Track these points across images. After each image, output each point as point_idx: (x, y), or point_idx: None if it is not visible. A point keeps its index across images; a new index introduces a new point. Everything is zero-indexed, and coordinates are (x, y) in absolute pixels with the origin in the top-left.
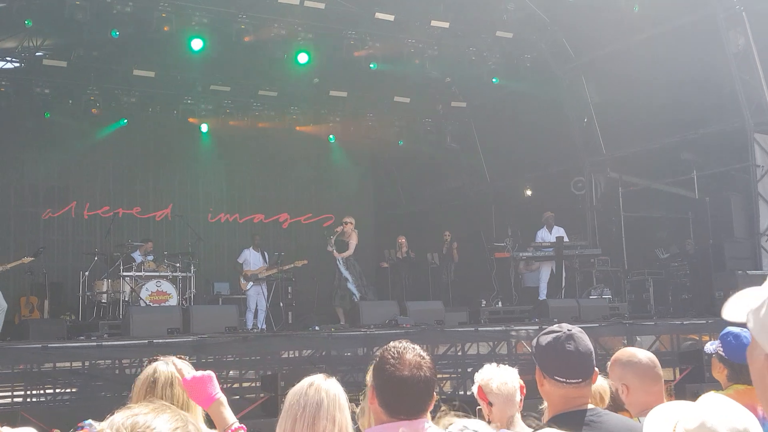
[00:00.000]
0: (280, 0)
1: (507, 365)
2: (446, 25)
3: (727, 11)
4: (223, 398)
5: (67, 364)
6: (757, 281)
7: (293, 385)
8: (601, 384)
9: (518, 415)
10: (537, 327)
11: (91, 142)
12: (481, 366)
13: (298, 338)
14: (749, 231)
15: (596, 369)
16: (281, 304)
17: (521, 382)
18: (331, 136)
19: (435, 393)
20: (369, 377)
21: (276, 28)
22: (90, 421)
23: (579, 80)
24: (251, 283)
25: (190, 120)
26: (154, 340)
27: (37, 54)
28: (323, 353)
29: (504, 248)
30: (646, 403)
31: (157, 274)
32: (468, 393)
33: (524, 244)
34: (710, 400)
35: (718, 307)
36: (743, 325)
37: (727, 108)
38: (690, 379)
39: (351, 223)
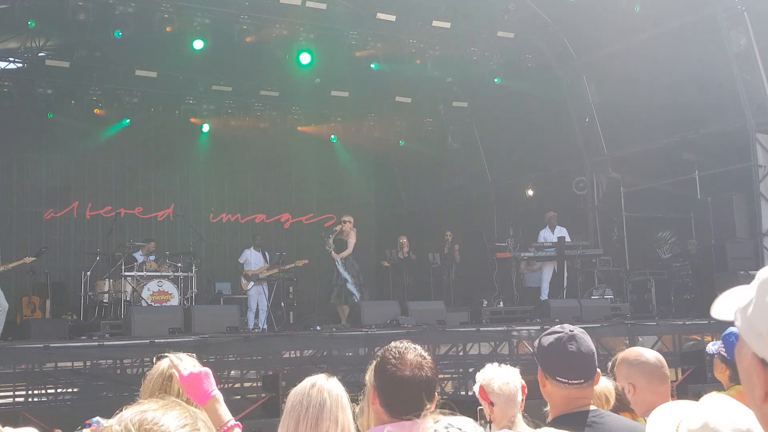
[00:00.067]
0: (281, 0)
1: (509, 365)
2: (447, 25)
3: (728, 11)
4: (219, 395)
5: (69, 363)
6: None
7: (294, 386)
8: (606, 386)
9: (520, 416)
10: (538, 327)
11: (93, 142)
12: (483, 366)
13: (300, 338)
14: (751, 231)
15: (598, 370)
16: (282, 304)
17: (523, 382)
18: (332, 136)
19: (436, 393)
20: (368, 377)
21: (277, 28)
22: (97, 418)
23: (580, 80)
24: (252, 283)
25: (192, 120)
26: (156, 340)
27: (39, 54)
28: (324, 353)
29: (505, 248)
30: (653, 403)
31: (158, 274)
32: (469, 393)
33: (526, 244)
34: (713, 400)
35: None
36: (733, 324)
37: (729, 108)
38: (692, 380)
39: (350, 222)
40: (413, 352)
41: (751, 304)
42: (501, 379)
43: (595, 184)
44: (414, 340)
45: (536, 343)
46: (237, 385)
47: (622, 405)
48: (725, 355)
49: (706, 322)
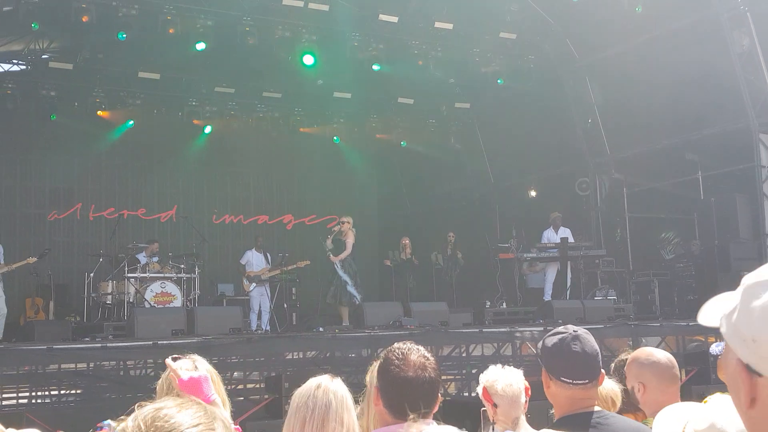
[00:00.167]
0: (284, 2)
1: (512, 366)
2: (450, 26)
3: (730, 11)
4: (219, 400)
5: (72, 365)
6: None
7: (297, 387)
8: (612, 388)
9: (523, 417)
10: (541, 328)
11: (97, 144)
12: (486, 367)
13: (302, 339)
14: (755, 232)
15: (602, 371)
16: (285, 306)
17: (526, 383)
18: (335, 137)
19: (440, 394)
20: (368, 378)
21: (280, 30)
22: (109, 421)
23: (583, 81)
24: (254, 285)
25: (195, 121)
26: (159, 342)
27: (43, 56)
28: (327, 354)
29: (508, 249)
30: (662, 403)
31: (161, 275)
32: (472, 394)
33: (528, 245)
34: (720, 401)
35: None
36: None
37: (732, 108)
38: (696, 381)
39: (348, 223)
40: (416, 353)
41: (736, 310)
42: (504, 380)
43: (598, 185)
44: (417, 341)
45: (540, 344)
46: (240, 387)
47: (626, 406)
48: None
49: None
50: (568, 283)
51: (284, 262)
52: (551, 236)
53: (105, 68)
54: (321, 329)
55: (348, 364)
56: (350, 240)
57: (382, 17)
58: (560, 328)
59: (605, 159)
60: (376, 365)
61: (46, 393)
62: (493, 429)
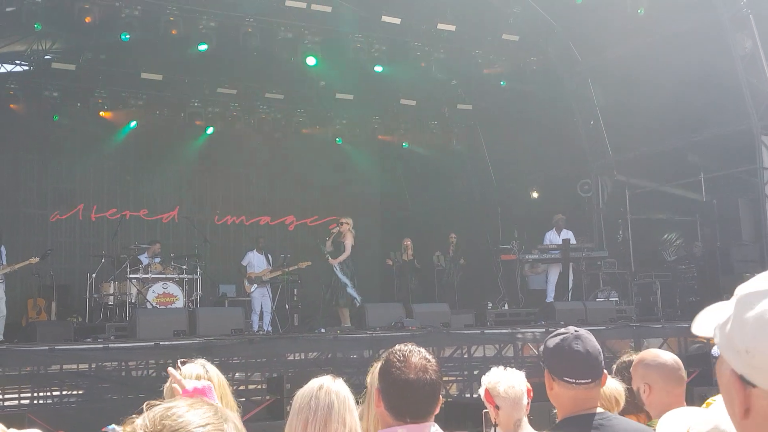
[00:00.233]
0: (287, 3)
1: (514, 368)
2: (452, 28)
3: (733, 13)
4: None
5: (74, 366)
6: None
7: (299, 388)
8: (616, 387)
9: (525, 419)
10: (543, 329)
11: (99, 145)
12: (488, 369)
13: (304, 340)
14: (757, 233)
15: (605, 371)
16: (287, 307)
17: (528, 385)
18: (338, 139)
19: (441, 396)
20: (369, 380)
21: (282, 31)
22: (113, 426)
23: (585, 83)
24: (255, 286)
25: (197, 122)
26: (161, 342)
27: (45, 57)
28: (329, 355)
29: (510, 250)
30: (668, 404)
31: (163, 276)
32: (474, 396)
33: (530, 247)
34: (723, 404)
35: None
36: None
37: (734, 110)
38: (697, 382)
39: (348, 224)
40: (418, 354)
41: (730, 320)
42: (507, 382)
43: (600, 187)
44: (418, 342)
45: (542, 346)
46: (242, 388)
47: (629, 407)
48: None
49: None
50: (570, 285)
51: (286, 263)
52: (553, 238)
53: (108, 69)
54: (323, 330)
55: (350, 365)
56: (349, 242)
57: (385, 19)
58: (561, 329)
59: (607, 160)
60: (376, 366)
61: (48, 394)
62: (495, 431)
